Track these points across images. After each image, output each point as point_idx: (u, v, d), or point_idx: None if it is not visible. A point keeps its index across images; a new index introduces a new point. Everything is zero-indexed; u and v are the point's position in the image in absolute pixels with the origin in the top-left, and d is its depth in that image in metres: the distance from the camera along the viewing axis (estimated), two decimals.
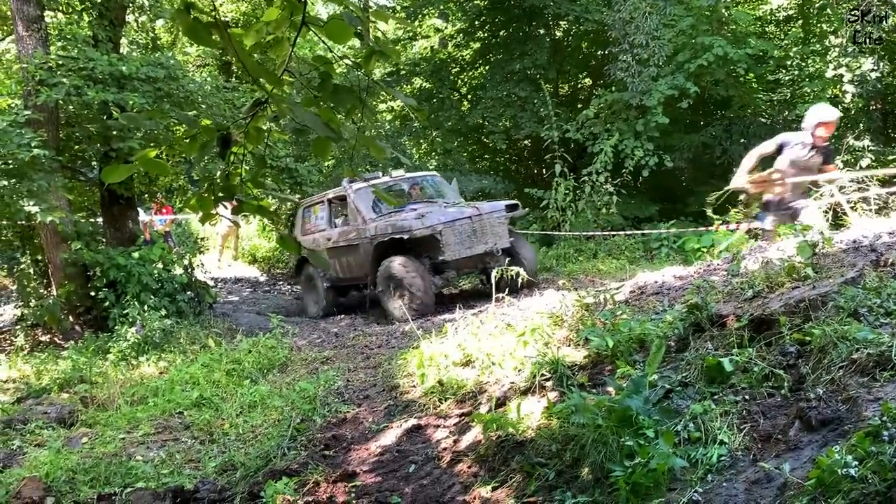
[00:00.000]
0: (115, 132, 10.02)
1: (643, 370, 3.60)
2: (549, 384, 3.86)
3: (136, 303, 9.47)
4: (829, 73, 12.55)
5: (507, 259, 9.22)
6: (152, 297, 9.90)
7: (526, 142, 16.90)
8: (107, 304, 9.81)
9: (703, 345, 3.54)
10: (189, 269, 11.11)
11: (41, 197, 9.17)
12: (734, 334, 3.46)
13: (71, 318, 10.29)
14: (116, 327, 9.37)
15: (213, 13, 2.23)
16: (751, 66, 13.20)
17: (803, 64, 13.57)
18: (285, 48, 2.68)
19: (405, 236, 9.60)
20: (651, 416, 3.13)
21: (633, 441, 3.00)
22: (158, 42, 15.44)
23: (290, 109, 2.54)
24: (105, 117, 10.21)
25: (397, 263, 9.59)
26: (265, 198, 2.66)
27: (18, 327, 10.06)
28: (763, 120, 14.07)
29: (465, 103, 17.91)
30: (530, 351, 4.41)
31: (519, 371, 4.24)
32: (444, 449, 3.82)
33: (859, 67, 12.20)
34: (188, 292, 10.75)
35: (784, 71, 14.20)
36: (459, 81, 18.30)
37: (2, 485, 4.71)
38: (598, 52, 16.67)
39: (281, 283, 16.15)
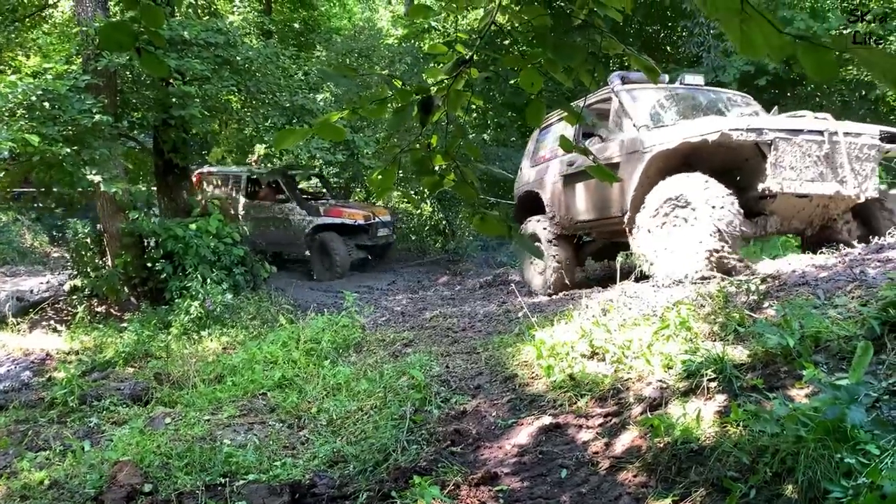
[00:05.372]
0: (174, 99, 9.73)
1: (829, 374, 3.23)
2: (713, 385, 3.49)
3: (198, 276, 9.20)
4: None
5: (858, 224, 6.59)
6: (212, 270, 9.65)
7: None
8: (163, 275, 9.58)
9: None
10: (244, 242, 10.86)
11: (103, 165, 8.91)
12: None
13: (126, 289, 10.08)
14: (177, 300, 9.13)
15: None
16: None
17: (884, 42, 12.91)
18: None
19: (710, 138, 5.89)
20: (865, 430, 2.76)
21: (854, 457, 2.62)
22: (214, 7, 15.10)
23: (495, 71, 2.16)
24: (164, 84, 9.91)
25: (685, 180, 6.08)
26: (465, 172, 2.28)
27: (75, 298, 9.85)
28: (837, 98, 13.48)
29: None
30: (673, 346, 4.04)
31: (668, 368, 3.87)
32: (596, 453, 3.47)
33: None
34: (243, 266, 10.50)
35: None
36: (518, 51, 17.74)
37: (95, 468, 4.46)
38: (649, 28, 16.10)
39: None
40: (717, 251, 5.59)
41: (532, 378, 4.60)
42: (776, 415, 2.92)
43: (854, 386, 2.84)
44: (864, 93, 12.86)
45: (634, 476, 3.18)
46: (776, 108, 7.53)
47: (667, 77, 8.06)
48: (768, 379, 3.40)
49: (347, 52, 17.05)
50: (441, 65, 2.43)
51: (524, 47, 2.18)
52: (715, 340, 4.02)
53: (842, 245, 6.14)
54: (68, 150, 8.43)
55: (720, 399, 3.39)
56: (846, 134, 6.07)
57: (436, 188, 2.27)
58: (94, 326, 8.99)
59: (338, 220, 13.35)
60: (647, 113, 7.10)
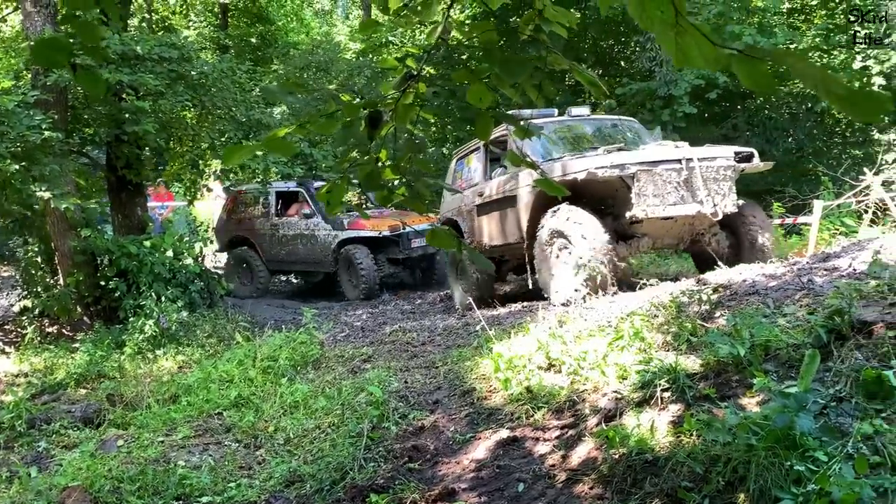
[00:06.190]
0: (127, 115, 9.56)
1: (779, 382, 3.28)
2: (666, 395, 3.52)
3: (153, 294, 9.01)
4: (857, 65, 12.30)
5: (727, 234, 7.27)
6: (167, 287, 9.46)
7: None
8: (117, 294, 9.36)
9: (849, 354, 3.22)
10: (199, 259, 10.66)
11: (53, 182, 8.70)
12: (888, 343, 3.13)
13: (79, 309, 9.83)
14: (131, 319, 8.92)
15: None
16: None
17: (828, 57, 13.30)
18: (435, 11, 2.30)
19: (579, 177, 6.64)
20: (813, 437, 2.81)
21: (803, 465, 2.67)
22: (168, 23, 14.91)
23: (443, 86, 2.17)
24: (117, 99, 9.74)
25: (562, 215, 6.87)
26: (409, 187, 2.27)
27: (25, 318, 9.57)
28: (786, 111, 13.83)
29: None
30: (627, 357, 4.07)
31: (622, 379, 3.90)
32: (553, 466, 3.47)
33: (888, 59, 11.96)
34: (199, 282, 10.30)
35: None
36: (469, 66, 17.87)
37: (42, 495, 4.32)
38: (603, 43, 16.37)
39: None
40: (590, 275, 6.36)
41: (490, 391, 4.60)
42: (728, 424, 2.95)
43: (802, 394, 2.89)
44: (810, 105, 13.24)
45: (591, 488, 3.19)
46: (658, 128, 8.38)
47: (555, 111, 8.69)
48: (720, 388, 3.45)
49: (305, 66, 16.96)
50: (393, 79, 2.43)
51: (475, 62, 2.18)
52: (668, 350, 4.07)
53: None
54: (17, 166, 8.21)
55: (674, 409, 3.43)
56: (701, 159, 6.81)
57: (386, 202, 2.27)
58: (44, 347, 8.74)
59: (362, 233, 12.12)
60: (538, 148, 7.74)
